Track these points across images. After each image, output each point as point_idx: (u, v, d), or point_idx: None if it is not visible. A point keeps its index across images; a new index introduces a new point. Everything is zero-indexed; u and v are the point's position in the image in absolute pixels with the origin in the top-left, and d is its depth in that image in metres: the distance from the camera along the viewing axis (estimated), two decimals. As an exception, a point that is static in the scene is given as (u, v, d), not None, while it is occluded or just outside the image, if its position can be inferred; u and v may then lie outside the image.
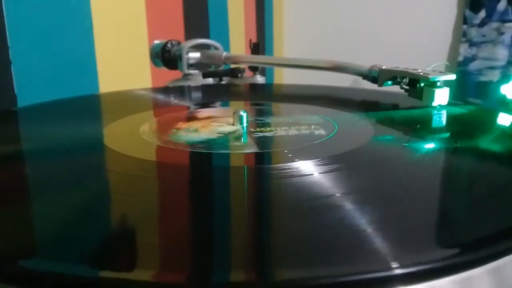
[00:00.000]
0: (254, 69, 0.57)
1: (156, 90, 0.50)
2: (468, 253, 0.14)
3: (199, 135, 0.29)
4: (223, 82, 0.55)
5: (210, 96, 0.48)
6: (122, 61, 0.64)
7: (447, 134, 0.32)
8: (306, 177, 0.21)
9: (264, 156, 0.26)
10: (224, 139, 0.28)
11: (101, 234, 0.16)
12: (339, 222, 0.16)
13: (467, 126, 0.34)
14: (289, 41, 1.36)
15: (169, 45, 0.54)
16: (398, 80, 0.39)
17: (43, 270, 0.14)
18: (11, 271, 0.14)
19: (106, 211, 0.19)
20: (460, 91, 1.15)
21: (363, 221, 0.16)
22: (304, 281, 0.13)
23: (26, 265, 0.14)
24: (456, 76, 0.36)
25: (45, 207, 0.19)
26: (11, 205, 0.19)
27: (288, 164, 0.23)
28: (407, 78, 0.38)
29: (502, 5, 1.12)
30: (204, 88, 0.51)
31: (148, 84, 0.70)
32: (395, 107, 0.40)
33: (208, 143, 0.27)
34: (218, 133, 0.29)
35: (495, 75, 1.14)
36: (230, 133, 0.30)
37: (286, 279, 0.14)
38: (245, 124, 0.31)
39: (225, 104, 0.43)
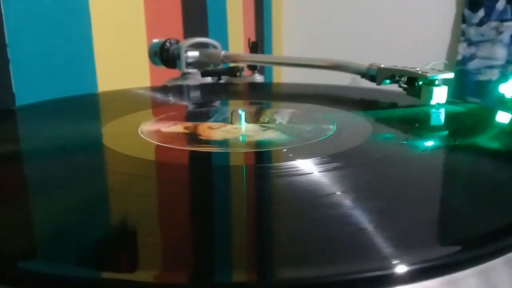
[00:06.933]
0: (252, 68, 0.56)
1: (154, 89, 0.50)
2: (467, 251, 0.14)
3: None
4: (221, 81, 0.55)
5: (209, 95, 0.48)
6: (120, 60, 0.64)
7: (445, 132, 0.32)
8: (306, 175, 0.21)
9: (263, 155, 0.26)
10: (221, 137, 0.28)
11: (100, 234, 0.16)
12: (339, 221, 0.16)
13: (465, 124, 0.34)
14: (288, 40, 1.36)
15: (167, 43, 0.54)
16: (397, 78, 0.39)
17: (42, 272, 0.14)
18: (10, 273, 0.13)
19: (105, 211, 0.19)
20: (459, 90, 1.15)
21: (363, 220, 0.16)
22: (305, 280, 0.13)
23: (25, 267, 0.14)
24: (455, 75, 0.36)
25: (44, 207, 0.19)
26: (9, 205, 0.19)
27: (288, 163, 0.23)
28: (406, 77, 0.38)
29: (501, 4, 1.12)
30: (203, 87, 0.51)
31: (147, 83, 0.70)
32: (393, 105, 0.40)
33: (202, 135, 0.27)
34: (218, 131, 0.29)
35: (493, 74, 1.14)
36: (228, 130, 0.30)
37: (287, 279, 0.13)
38: (243, 123, 0.31)
39: (224, 103, 0.43)
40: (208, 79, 0.54)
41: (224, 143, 0.27)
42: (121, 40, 0.65)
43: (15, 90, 0.48)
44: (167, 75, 0.57)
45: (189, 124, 0.32)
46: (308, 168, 0.22)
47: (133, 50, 0.67)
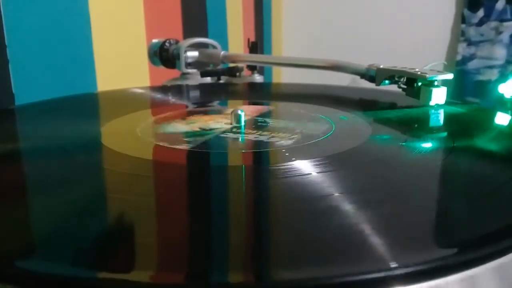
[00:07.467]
0: (252, 68, 0.57)
1: (154, 89, 0.50)
2: (466, 252, 0.14)
3: (190, 128, 0.29)
4: (221, 81, 0.55)
5: (208, 95, 0.48)
6: (120, 59, 0.64)
7: (444, 134, 0.32)
8: (304, 176, 0.21)
9: (262, 155, 0.26)
10: (220, 138, 0.28)
11: (98, 234, 0.16)
12: (337, 222, 0.16)
13: (464, 125, 0.34)
14: (287, 40, 1.36)
15: (167, 44, 0.54)
16: (396, 79, 0.39)
17: (40, 271, 0.14)
18: (7, 272, 0.13)
19: (103, 210, 0.19)
20: (458, 90, 1.15)
21: (361, 221, 0.16)
22: (302, 281, 0.13)
23: (22, 266, 0.14)
24: (455, 75, 0.36)
25: (42, 207, 0.19)
26: (8, 204, 0.19)
27: (286, 163, 0.23)
28: (405, 77, 0.38)
29: (500, 4, 1.12)
30: (202, 87, 0.51)
31: (146, 83, 0.70)
32: (392, 106, 0.40)
33: (201, 136, 0.27)
34: (212, 129, 0.29)
35: (493, 74, 1.14)
36: (227, 131, 0.30)
37: (283, 280, 0.13)
38: (242, 123, 0.31)
39: (223, 104, 0.43)
40: (208, 79, 0.54)
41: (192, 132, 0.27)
42: (120, 40, 0.65)
43: (14, 90, 0.48)
44: (167, 75, 0.57)
45: (188, 121, 0.32)
46: (307, 169, 0.22)
47: (133, 50, 0.67)
